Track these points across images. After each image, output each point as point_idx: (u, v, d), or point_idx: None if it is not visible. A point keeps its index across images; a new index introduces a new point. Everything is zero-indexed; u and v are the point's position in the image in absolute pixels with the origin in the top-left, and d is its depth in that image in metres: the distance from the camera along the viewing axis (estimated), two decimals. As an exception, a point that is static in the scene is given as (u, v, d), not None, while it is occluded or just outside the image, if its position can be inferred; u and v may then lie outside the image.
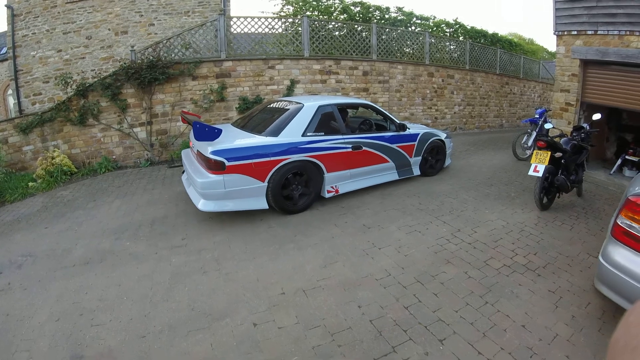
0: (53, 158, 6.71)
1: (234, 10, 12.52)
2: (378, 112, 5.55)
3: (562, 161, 4.58)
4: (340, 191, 4.84)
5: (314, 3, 11.58)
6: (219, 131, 4.23)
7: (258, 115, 5.28)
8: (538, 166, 4.29)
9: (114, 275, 3.39)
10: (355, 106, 6.22)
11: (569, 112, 7.19)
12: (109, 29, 10.83)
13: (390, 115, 5.52)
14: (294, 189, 4.51)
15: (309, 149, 4.44)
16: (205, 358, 2.37)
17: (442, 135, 6.09)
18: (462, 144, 8.78)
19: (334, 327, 2.53)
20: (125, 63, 7.50)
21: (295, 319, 2.62)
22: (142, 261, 3.60)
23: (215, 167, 3.96)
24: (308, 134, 4.49)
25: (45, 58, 10.83)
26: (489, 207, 4.68)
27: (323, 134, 4.61)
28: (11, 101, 12.00)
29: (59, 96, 9.31)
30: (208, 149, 3.99)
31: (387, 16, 11.90)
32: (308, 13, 11.03)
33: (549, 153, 4.31)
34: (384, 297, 2.83)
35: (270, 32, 8.48)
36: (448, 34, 12.86)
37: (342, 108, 5.46)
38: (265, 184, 4.20)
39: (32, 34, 10.76)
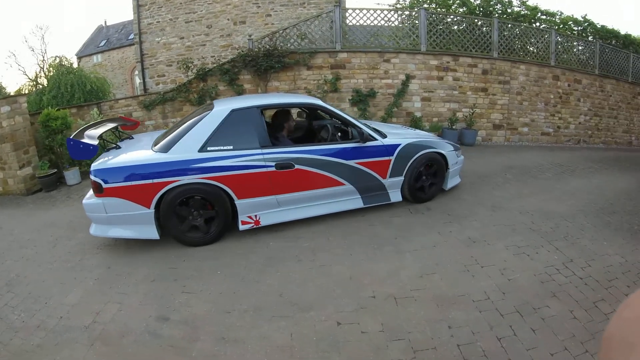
0: (171, 133, 7.52)
1: (349, 3, 12.68)
2: (332, 115, 4.28)
3: None
4: (263, 223, 3.85)
5: (432, -5, 11.09)
6: (95, 148, 3.57)
7: (181, 122, 4.35)
8: None
9: (213, 248, 3.66)
10: (298, 107, 4.98)
11: None
12: (228, 19, 11.74)
13: (351, 120, 4.18)
14: (194, 218, 3.66)
15: (207, 169, 3.52)
16: (282, 346, 2.40)
17: (445, 148, 4.57)
18: (585, 160, 7.68)
19: (418, 343, 2.39)
20: (243, 51, 8.04)
21: (380, 326, 2.54)
22: (240, 239, 3.81)
23: (94, 188, 3.45)
24: (209, 149, 3.57)
25: (169, 44, 12.21)
26: (608, 238, 4.01)
27: (231, 147, 3.64)
28: (137, 81, 13.79)
29: (180, 79, 10.39)
30: (92, 166, 3.50)
31: (509, 10, 10.89)
32: (425, 5, 10.60)
33: None
34: (477, 322, 2.59)
35: (385, 24, 8.34)
36: (575, 33, 11.28)
37: (283, 111, 4.47)
38: (152, 210, 3.50)
39: (156, 22, 12.21)
